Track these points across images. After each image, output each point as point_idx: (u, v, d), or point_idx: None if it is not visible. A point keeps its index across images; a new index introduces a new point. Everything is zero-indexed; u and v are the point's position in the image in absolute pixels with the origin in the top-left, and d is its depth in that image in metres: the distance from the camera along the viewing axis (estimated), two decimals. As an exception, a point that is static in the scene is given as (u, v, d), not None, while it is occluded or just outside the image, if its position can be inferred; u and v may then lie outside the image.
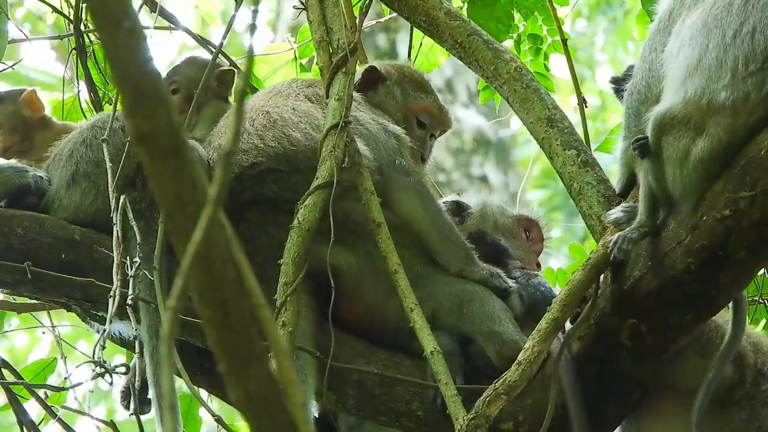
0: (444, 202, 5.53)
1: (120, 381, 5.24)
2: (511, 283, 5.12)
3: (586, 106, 6.24)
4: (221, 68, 5.82)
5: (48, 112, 5.83)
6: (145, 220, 5.05)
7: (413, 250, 5.05)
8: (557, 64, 6.56)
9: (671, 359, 4.68)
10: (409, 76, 5.77)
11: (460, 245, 5.13)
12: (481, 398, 4.54)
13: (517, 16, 6.29)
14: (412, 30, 6.44)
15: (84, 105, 6.32)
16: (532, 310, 5.04)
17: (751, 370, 4.85)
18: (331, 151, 4.98)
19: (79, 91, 6.35)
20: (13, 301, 5.96)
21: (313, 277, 4.86)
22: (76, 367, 5.37)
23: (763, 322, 5.86)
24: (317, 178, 4.93)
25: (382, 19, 6.87)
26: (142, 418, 5.37)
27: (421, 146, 5.66)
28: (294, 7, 5.70)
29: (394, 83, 5.69)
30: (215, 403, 5.45)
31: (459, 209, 5.57)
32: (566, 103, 6.45)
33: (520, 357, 4.55)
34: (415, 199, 5.14)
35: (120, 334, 5.17)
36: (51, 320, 6.00)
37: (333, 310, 4.86)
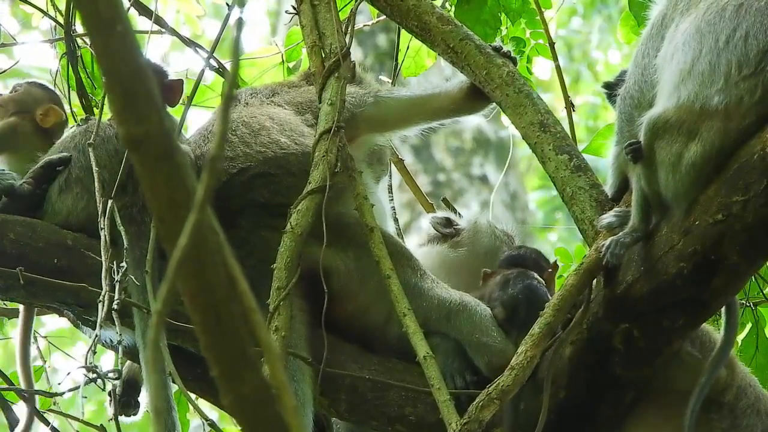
0: (432, 217, 5.61)
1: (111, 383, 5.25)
2: None
3: (574, 110, 6.25)
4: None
5: (54, 130, 5.80)
6: (136, 225, 5.05)
7: (400, 260, 5.04)
8: (550, 66, 6.56)
9: (664, 363, 4.68)
10: None
11: None
12: (474, 403, 4.53)
13: (504, 20, 6.28)
14: (399, 33, 6.45)
15: (73, 109, 6.31)
16: (515, 314, 5.03)
17: (738, 376, 4.87)
18: (323, 156, 4.98)
19: (69, 96, 6.34)
20: (5, 306, 5.96)
21: (306, 279, 4.86)
22: (68, 374, 5.38)
23: (749, 326, 5.87)
24: (310, 183, 4.93)
25: (370, 23, 6.85)
26: (131, 420, 5.38)
27: None
28: (286, 11, 5.71)
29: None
30: (203, 406, 5.44)
31: (449, 224, 5.61)
32: (562, 105, 6.44)
33: (513, 362, 4.54)
34: None
35: (112, 342, 5.16)
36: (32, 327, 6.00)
37: (325, 311, 4.87)
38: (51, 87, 5.92)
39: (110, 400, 5.31)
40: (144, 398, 5.45)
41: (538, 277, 5.14)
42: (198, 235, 2.11)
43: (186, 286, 2.16)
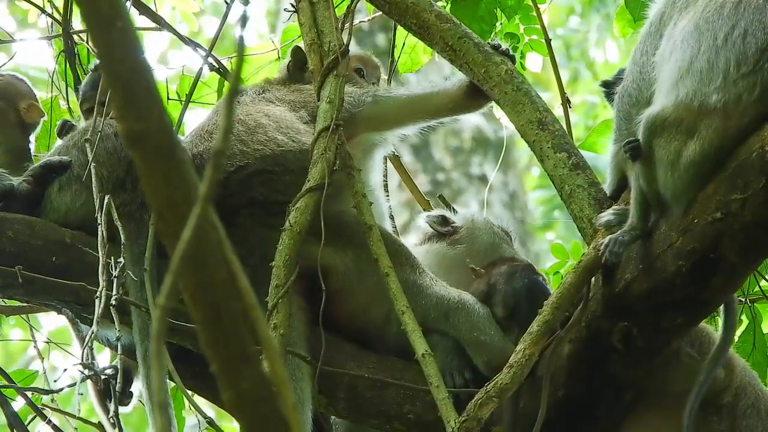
0: (428, 216, 5.61)
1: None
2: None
3: (570, 107, 6.25)
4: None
5: (37, 130, 5.79)
6: (135, 222, 5.04)
7: (398, 258, 5.04)
8: (548, 63, 6.55)
9: (663, 363, 4.68)
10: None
11: None
12: (473, 401, 4.53)
13: (500, 15, 6.28)
14: (395, 29, 6.44)
15: (67, 106, 6.32)
16: (517, 310, 5.03)
17: (738, 376, 4.87)
18: (322, 154, 4.97)
19: (67, 93, 6.34)
20: (3, 304, 5.96)
21: (305, 278, 4.86)
22: (64, 370, 5.37)
23: (746, 323, 5.86)
24: (308, 181, 4.93)
25: (367, 19, 6.84)
26: (123, 410, 5.38)
27: None
28: (285, 9, 5.70)
29: None
30: (200, 404, 5.44)
31: (445, 222, 5.60)
32: (559, 101, 6.44)
33: (511, 360, 4.55)
34: None
35: (109, 340, 5.16)
36: (30, 325, 6.02)
37: (324, 310, 4.87)
38: (31, 86, 5.90)
39: (108, 397, 5.32)
40: (137, 389, 5.44)
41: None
42: (199, 231, 2.11)
43: (187, 283, 2.16)
